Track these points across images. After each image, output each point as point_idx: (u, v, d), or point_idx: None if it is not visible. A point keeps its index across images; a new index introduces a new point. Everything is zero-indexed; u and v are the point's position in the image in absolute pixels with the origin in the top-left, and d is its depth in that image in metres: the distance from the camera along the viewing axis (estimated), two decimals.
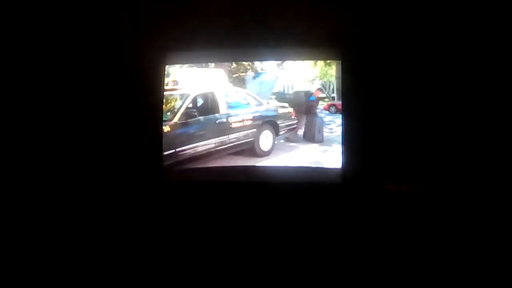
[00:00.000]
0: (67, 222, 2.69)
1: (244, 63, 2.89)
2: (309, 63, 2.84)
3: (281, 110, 2.94)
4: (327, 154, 2.74)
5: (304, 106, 2.85)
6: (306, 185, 2.69)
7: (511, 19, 2.53)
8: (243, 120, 2.88)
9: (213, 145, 2.82)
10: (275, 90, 2.91)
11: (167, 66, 2.83)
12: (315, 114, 2.83)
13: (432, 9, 2.64)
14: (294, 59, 2.78)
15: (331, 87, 2.86)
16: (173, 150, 2.78)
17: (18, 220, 2.65)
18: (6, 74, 2.77)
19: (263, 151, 2.86)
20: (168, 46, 2.83)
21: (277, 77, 2.87)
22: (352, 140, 2.65)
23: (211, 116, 2.86)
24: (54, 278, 2.51)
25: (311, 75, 2.85)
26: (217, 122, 2.85)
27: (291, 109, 2.92)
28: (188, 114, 2.82)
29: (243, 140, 2.86)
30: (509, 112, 2.52)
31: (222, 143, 2.83)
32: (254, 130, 2.88)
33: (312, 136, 2.82)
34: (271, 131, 2.92)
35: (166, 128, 2.79)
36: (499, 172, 2.50)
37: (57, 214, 2.70)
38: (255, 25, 2.77)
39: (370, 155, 2.66)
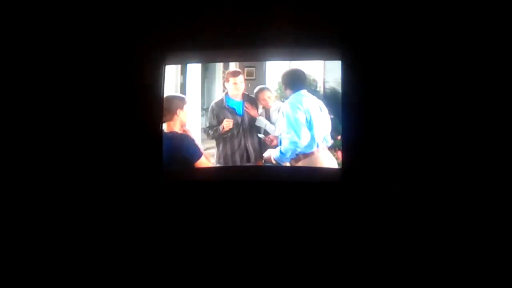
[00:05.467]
0: (67, 222, 2.69)
1: None
2: None
3: None
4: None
5: None
6: (306, 185, 2.69)
7: (511, 20, 2.54)
8: None
9: None
10: None
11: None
12: None
13: (432, 9, 2.64)
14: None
15: None
16: None
17: (18, 221, 2.66)
18: (6, 75, 2.77)
19: None
20: (168, 46, 2.83)
21: None
22: (352, 140, 2.65)
23: None
24: (54, 278, 2.52)
25: None
26: None
27: None
28: None
29: None
30: (509, 112, 2.53)
31: None
32: None
33: None
34: None
35: None
36: (498, 172, 2.51)
37: (58, 215, 2.70)
38: (255, 25, 2.77)
39: (370, 155, 2.66)
